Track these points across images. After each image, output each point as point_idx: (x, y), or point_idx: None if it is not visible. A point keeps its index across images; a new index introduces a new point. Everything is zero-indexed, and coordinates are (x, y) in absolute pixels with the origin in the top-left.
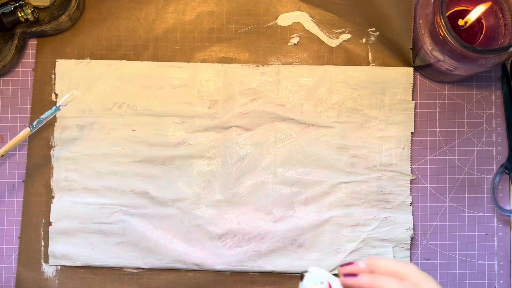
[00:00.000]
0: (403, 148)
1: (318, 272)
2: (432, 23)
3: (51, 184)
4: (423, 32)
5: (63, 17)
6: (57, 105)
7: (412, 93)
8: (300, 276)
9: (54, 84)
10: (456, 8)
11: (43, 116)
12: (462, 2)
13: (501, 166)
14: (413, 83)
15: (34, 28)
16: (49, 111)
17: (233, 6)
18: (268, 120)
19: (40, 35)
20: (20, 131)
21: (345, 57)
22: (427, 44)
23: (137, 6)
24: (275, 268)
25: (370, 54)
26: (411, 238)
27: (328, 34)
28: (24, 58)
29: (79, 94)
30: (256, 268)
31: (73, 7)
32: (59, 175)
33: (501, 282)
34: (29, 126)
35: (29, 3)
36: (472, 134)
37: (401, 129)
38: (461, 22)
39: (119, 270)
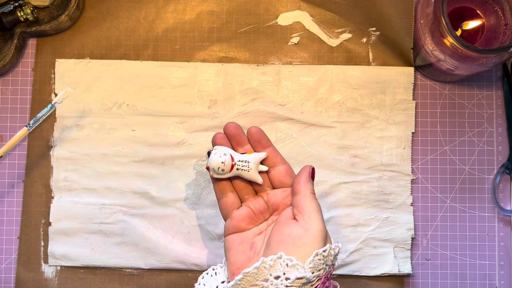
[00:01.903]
0: (404, 148)
1: (222, 147)
2: (433, 23)
3: (51, 184)
4: (423, 31)
5: (63, 16)
6: (52, 102)
7: (413, 92)
8: (208, 153)
9: (54, 84)
10: (456, 6)
11: (39, 115)
12: (462, 0)
13: (502, 166)
14: (413, 83)
15: (34, 28)
16: (45, 109)
17: (233, 5)
18: (268, 120)
19: (39, 35)
20: (19, 131)
21: (346, 56)
22: (428, 44)
23: (137, 5)
24: None
25: (370, 54)
26: (412, 238)
27: (328, 33)
28: (24, 57)
29: (72, 91)
30: None
31: (73, 6)
32: (59, 175)
33: (502, 282)
34: (26, 126)
35: (29, 3)
36: (473, 134)
37: (402, 129)
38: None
39: (119, 271)
